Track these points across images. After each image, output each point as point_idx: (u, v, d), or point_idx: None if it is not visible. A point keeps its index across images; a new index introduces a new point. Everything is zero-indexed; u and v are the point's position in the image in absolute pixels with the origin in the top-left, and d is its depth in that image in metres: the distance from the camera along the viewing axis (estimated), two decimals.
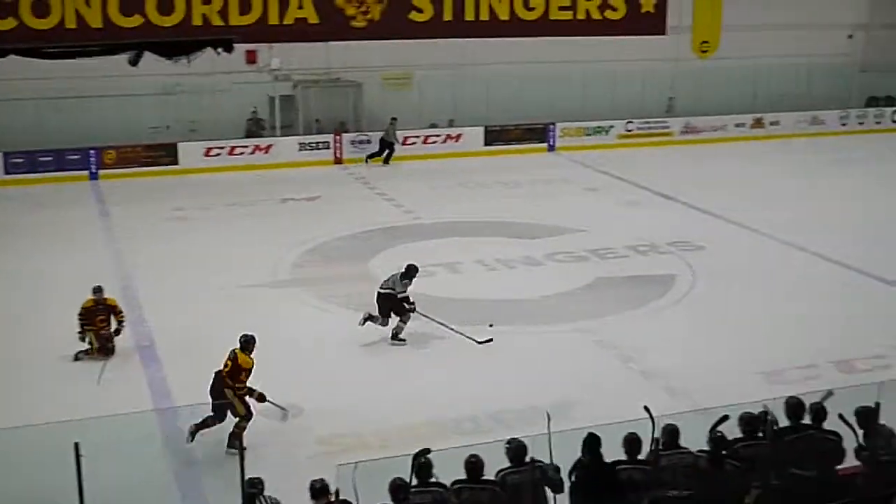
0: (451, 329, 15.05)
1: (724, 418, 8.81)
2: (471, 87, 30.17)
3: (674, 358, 14.42)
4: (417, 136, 29.15)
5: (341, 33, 28.39)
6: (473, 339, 14.82)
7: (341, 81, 29.53)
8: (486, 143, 29.65)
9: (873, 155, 30.01)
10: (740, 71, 32.32)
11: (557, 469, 8.22)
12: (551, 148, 30.33)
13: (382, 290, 14.86)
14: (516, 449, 8.27)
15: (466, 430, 12.05)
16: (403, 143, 28.71)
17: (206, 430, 11.32)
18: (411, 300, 14.79)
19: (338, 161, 28.40)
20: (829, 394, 9.10)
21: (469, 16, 29.99)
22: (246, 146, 27.85)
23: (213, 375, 11.51)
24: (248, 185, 25.69)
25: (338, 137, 28.56)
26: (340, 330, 15.34)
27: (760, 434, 8.84)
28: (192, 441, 11.25)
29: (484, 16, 30.16)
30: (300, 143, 28.36)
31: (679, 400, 12.54)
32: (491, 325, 15.28)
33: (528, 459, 8.16)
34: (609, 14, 31.54)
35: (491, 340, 14.87)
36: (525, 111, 30.17)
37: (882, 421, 9.37)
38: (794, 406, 9.01)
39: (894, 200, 23.96)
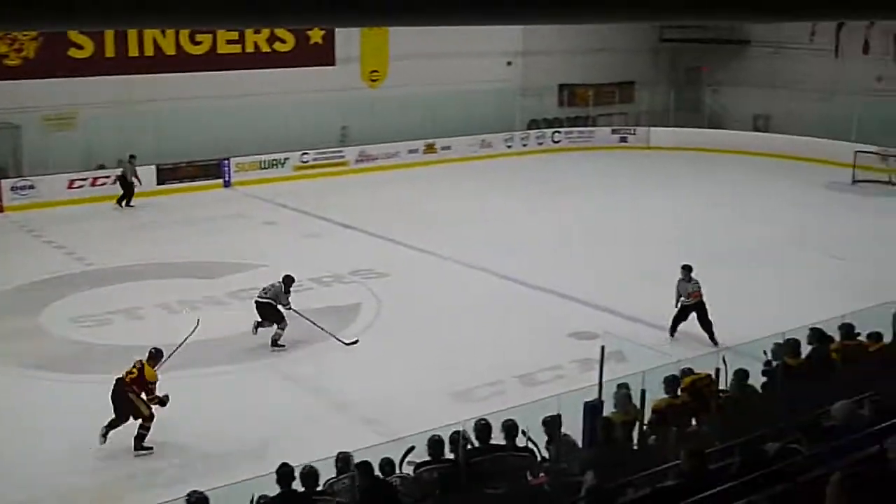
0: (323, 329, 16.17)
1: (410, 449, 8.92)
2: (140, 126, 28.96)
3: (366, 387, 14.46)
4: (84, 179, 27.61)
5: None
6: (342, 341, 16.04)
7: None
8: (160, 182, 28.51)
9: (537, 174, 31.60)
10: (410, 98, 33.15)
11: None
12: (227, 183, 29.69)
13: (262, 300, 15.89)
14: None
15: (144, 483, 11.43)
16: (69, 187, 27.13)
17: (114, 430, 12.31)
18: (291, 305, 16.11)
19: None
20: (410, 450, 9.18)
21: (133, 51, 28.99)
22: None
23: (115, 382, 12.45)
24: None
25: None
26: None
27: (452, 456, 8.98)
28: (104, 442, 12.29)
29: (149, 51, 29.26)
30: None
31: (377, 431, 12.51)
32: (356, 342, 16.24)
33: None
34: (278, 46, 31.50)
35: (357, 341, 16.15)
36: (198, 147, 29.39)
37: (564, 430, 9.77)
38: (481, 428, 9.25)
39: (558, 218, 25.23)
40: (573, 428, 10.30)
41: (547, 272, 20.21)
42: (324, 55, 32.40)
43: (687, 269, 16.63)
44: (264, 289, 16.17)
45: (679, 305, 16.58)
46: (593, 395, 10.87)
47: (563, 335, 16.68)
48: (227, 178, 29.75)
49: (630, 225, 24.43)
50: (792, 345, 11.74)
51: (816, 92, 35.33)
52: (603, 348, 11.08)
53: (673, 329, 16.61)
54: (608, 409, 10.81)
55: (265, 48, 31.26)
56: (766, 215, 25.70)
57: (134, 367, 12.55)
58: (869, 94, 34.09)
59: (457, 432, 9.23)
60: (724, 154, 34.60)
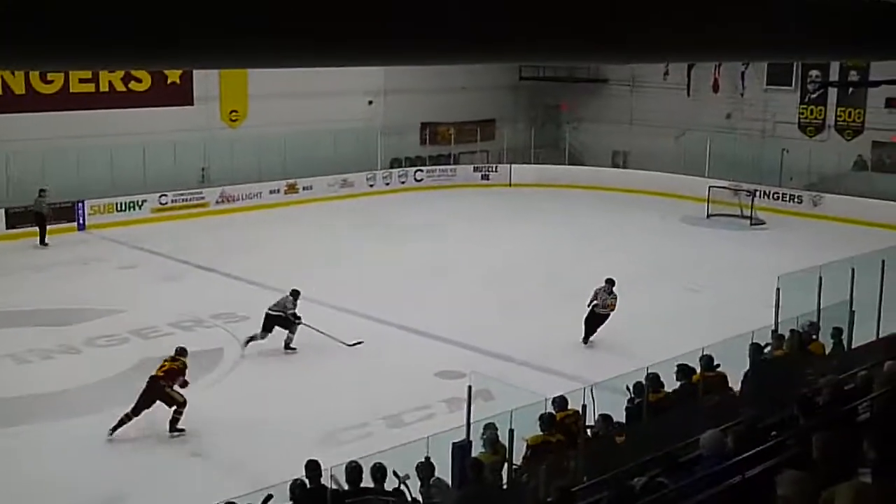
0: (324, 334, 17.71)
1: (269, 497, 8.70)
2: None
3: (229, 432, 14.07)
4: None
5: None
6: (345, 343, 17.69)
7: None
8: (9, 226, 27.36)
9: (400, 213, 31.57)
10: (271, 138, 32.77)
11: None
12: (81, 227, 28.69)
13: (273, 312, 17.97)
14: None
15: None
16: None
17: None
18: (298, 314, 17.93)
19: None
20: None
21: None
22: None
23: (149, 379, 14.31)
24: None
25: None
26: None
27: None
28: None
29: None
30: None
31: (238, 478, 12.16)
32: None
33: None
34: (134, 86, 30.80)
35: (362, 342, 17.94)
36: (50, 190, 28.32)
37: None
38: (351, 471, 9.10)
39: (422, 256, 25.15)
40: (443, 468, 10.20)
41: (412, 311, 20.12)
42: (182, 95, 31.83)
43: (610, 283, 18.68)
44: (275, 303, 18.12)
45: (591, 310, 18.44)
46: (462, 436, 10.79)
47: (430, 375, 16.60)
48: (81, 222, 28.77)
49: (493, 262, 24.55)
50: (653, 379, 11.90)
51: (671, 128, 36.43)
52: (470, 388, 11.00)
53: (587, 338, 18.37)
54: (477, 450, 10.75)
55: (120, 87, 30.52)
56: (625, 249, 26.18)
57: (166, 361, 14.63)
58: (720, 131, 35.33)
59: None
60: (584, 190, 35.26)
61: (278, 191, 32.93)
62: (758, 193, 31.65)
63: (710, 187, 31.84)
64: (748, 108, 35.64)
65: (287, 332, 18.05)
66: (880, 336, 16.31)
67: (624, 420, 11.60)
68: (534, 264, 24.12)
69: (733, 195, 31.66)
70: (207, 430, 14.29)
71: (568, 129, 39.53)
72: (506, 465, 10.63)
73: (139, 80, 30.73)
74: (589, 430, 11.16)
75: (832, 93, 33.38)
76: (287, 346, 18.04)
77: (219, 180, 32.09)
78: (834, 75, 33.05)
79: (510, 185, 36.70)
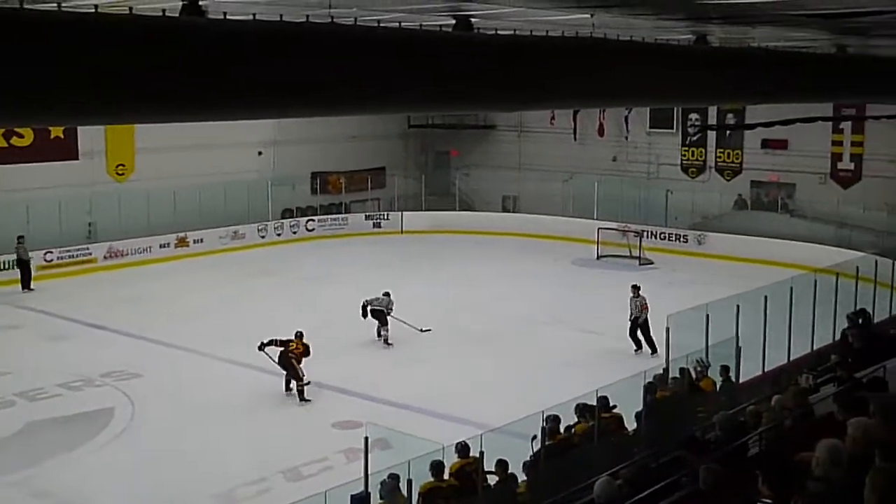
0: (406, 323, 21.33)
1: None
2: None
3: (120, 495, 13.70)
4: None
5: None
6: (417, 328, 21.63)
7: None
8: None
9: (291, 264, 31.32)
10: (160, 191, 32.23)
11: None
12: None
13: (377, 308, 21.72)
14: None
15: None
16: None
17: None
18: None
19: None
20: None
21: None
22: None
23: (280, 353, 18.32)
24: None
25: None
26: None
27: None
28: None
29: None
30: None
31: None
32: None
33: None
34: (16, 141, 30.02)
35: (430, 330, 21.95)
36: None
37: None
38: None
39: (315, 306, 24.97)
40: None
41: (307, 362, 19.92)
42: (66, 149, 31.16)
43: (636, 288, 21.22)
44: (376, 299, 21.85)
45: (632, 318, 20.75)
46: (360, 487, 10.73)
47: (327, 425, 16.48)
48: None
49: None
50: (554, 420, 12.02)
51: (559, 172, 37.04)
52: (367, 439, 10.96)
53: (636, 342, 20.54)
54: (375, 501, 10.69)
55: (1, 143, 29.75)
56: (518, 294, 26.44)
57: (297, 339, 18.47)
58: (607, 174, 36.06)
59: None
60: (475, 235, 35.51)
61: (168, 245, 32.40)
62: (645, 234, 32.36)
63: (598, 229, 32.42)
64: (633, 150, 36.52)
65: (382, 327, 21.62)
66: (766, 370, 16.82)
67: (524, 465, 11.66)
68: (428, 311, 24.12)
69: (622, 236, 32.29)
70: (99, 495, 13.90)
71: (458, 175, 39.87)
72: None
73: (21, 136, 30.01)
74: (488, 477, 11.19)
75: (712, 135, 34.42)
76: (385, 341, 21.48)
77: (106, 235, 31.42)
78: (712, 119, 34.12)
79: (402, 232, 36.78)
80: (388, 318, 21.71)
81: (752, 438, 9.67)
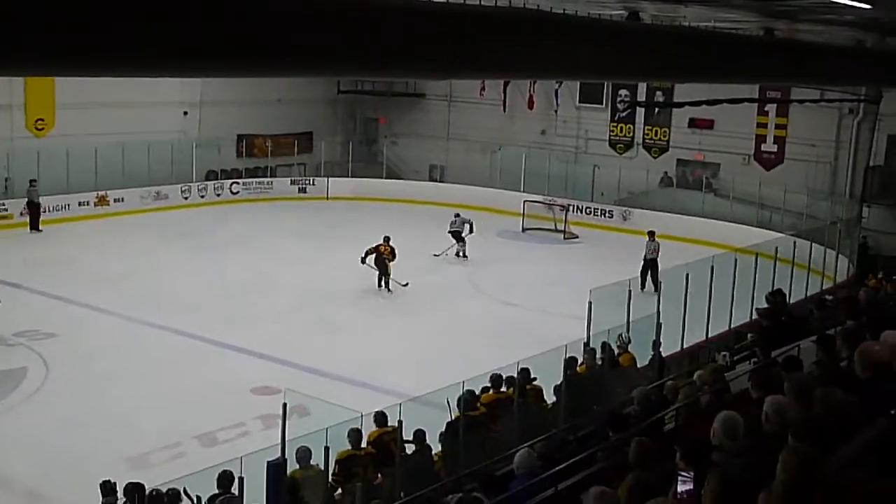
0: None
1: None
2: None
3: (30, 459, 13.45)
4: None
5: None
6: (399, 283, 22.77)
7: None
8: None
9: (214, 226, 30.93)
10: (81, 148, 31.47)
11: None
12: None
13: (453, 230, 27.34)
14: None
15: None
16: None
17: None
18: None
19: None
20: None
21: None
22: None
23: (375, 257, 23.23)
24: None
25: None
26: None
27: None
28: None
29: None
30: None
31: None
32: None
33: None
34: None
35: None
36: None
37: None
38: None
39: (235, 271, 24.67)
40: (257, 487, 10.02)
41: (224, 327, 19.75)
42: None
43: (652, 233, 25.14)
44: (451, 222, 27.53)
45: (644, 260, 23.93)
46: (277, 454, 10.62)
47: (245, 391, 16.31)
48: None
49: (309, 277, 24.32)
50: (470, 393, 12.02)
51: (487, 143, 37.05)
52: (285, 405, 10.85)
53: (643, 283, 22.30)
54: (292, 467, 10.61)
55: None
56: (441, 264, 26.43)
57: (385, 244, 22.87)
58: (535, 147, 36.16)
59: None
60: (401, 203, 35.38)
61: (88, 203, 31.73)
62: (571, 208, 32.52)
63: (525, 202, 32.51)
64: (562, 125, 36.62)
65: (459, 245, 26.94)
66: (684, 347, 17.04)
67: (440, 435, 11.66)
68: (349, 279, 24.01)
69: (548, 210, 32.42)
70: (7, 458, 13.59)
71: (386, 143, 39.67)
72: (320, 481, 10.54)
73: None
74: (406, 447, 11.17)
75: (640, 112, 34.64)
76: (464, 255, 26.94)
77: (23, 192, 30.65)
78: (642, 95, 34.33)
79: (327, 198, 36.50)
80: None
81: (669, 414, 9.77)
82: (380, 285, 23.30)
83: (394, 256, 23.32)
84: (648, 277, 22.84)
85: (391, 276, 23.22)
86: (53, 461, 13.38)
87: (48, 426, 14.72)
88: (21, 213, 29.50)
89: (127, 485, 9.65)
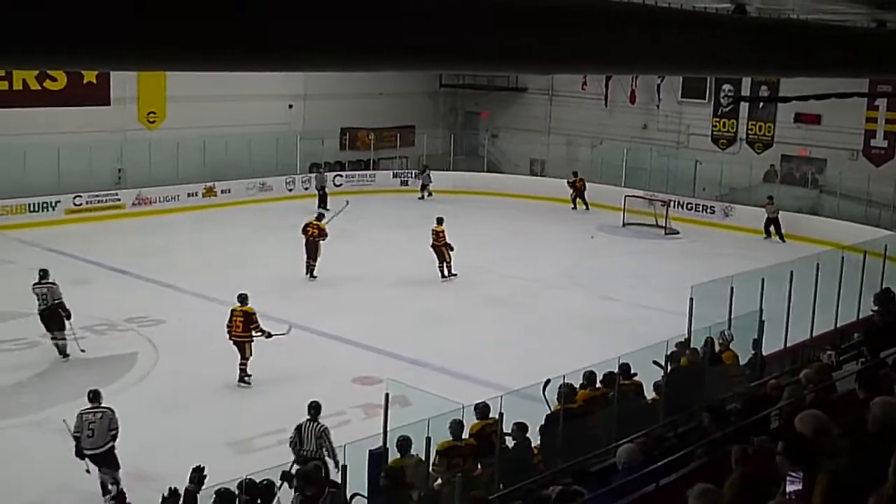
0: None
1: None
2: None
3: (141, 438, 13.83)
4: None
5: None
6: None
7: None
8: None
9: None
10: (189, 140, 32.36)
11: None
12: None
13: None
14: None
15: None
16: None
17: None
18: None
19: None
20: None
21: None
22: None
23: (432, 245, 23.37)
24: None
25: None
26: None
27: None
28: None
29: None
30: None
31: (148, 485, 11.98)
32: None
33: None
34: (49, 84, 30.19)
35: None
36: None
37: None
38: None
39: (339, 261, 24.94)
40: (359, 476, 10.20)
41: (327, 316, 20.06)
42: (98, 95, 31.29)
43: (770, 198, 29.83)
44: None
45: (767, 219, 29.07)
46: (378, 443, 10.79)
47: (347, 380, 16.57)
48: None
49: (411, 268, 24.56)
50: (569, 387, 12.03)
51: (588, 138, 36.87)
52: (387, 395, 11.01)
53: (767, 233, 29.19)
54: (393, 457, 10.76)
55: (34, 86, 29.88)
56: (540, 258, 26.41)
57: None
58: (635, 141, 35.86)
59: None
60: (501, 197, 35.43)
61: (196, 193, 32.57)
62: (672, 203, 32.20)
63: (625, 196, 32.30)
64: (663, 119, 36.24)
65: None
66: (788, 346, 16.77)
67: (539, 429, 11.70)
68: (453, 271, 24.19)
69: (648, 205, 32.16)
70: (118, 441, 14.03)
71: (487, 136, 39.77)
72: (421, 471, 10.67)
73: (54, 80, 30.15)
74: (506, 439, 11.24)
75: (744, 107, 34.11)
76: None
77: (135, 182, 31.61)
78: (746, 90, 33.77)
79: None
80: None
81: (773, 412, 9.66)
82: (443, 274, 23.62)
83: (450, 248, 23.78)
84: (772, 230, 28.15)
85: (450, 261, 23.67)
86: (159, 443, 13.79)
87: (156, 409, 15.17)
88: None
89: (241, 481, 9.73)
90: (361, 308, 20.93)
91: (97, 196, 30.42)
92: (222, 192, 33.15)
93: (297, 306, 20.65)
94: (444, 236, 23.95)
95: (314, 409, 12.29)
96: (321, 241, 23.75)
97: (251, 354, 16.51)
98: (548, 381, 12.01)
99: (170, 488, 9.73)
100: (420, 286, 22.73)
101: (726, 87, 34.52)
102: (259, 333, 16.52)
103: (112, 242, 26.74)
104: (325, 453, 12.00)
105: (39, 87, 30.01)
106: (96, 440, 12.32)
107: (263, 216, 31.34)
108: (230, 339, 16.54)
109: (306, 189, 35.19)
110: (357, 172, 37.22)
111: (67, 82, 30.32)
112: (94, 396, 12.68)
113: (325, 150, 37.13)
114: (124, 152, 31.89)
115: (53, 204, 29.43)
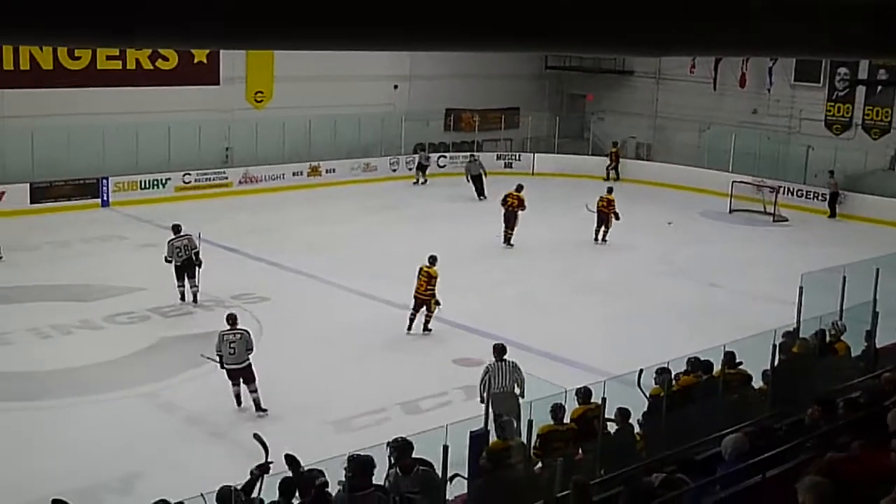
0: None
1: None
2: (13, 142, 27.92)
3: (248, 417, 14.11)
4: None
5: None
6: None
7: None
8: (33, 201, 27.55)
9: (422, 199, 31.56)
10: (295, 120, 32.77)
11: None
12: (105, 203, 28.82)
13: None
14: None
15: None
16: None
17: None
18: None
19: None
20: None
21: (7, 65, 27.99)
22: None
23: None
24: None
25: None
26: None
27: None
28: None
29: (24, 65, 28.30)
30: None
31: (253, 460, 12.13)
32: None
33: None
34: (161, 64, 30.82)
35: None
36: (75, 165, 28.47)
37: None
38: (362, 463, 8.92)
39: (442, 243, 24.98)
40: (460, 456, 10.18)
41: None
42: (208, 74, 31.84)
43: (832, 172, 30.38)
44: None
45: (829, 195, 30.25)
46: (479, 425, 10.79)
47: (448, 361, 16.61)
48: (105, 198, 28.91)
49: (514, 251, 24.51)
50: (670, 374, 11.85)
51: (695, 122, 36.22)
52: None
53: (832, 213, 30.31)
54: (493, 439, 10.74)
55: (147, 65, 30.56)
56: (643, 243, 26.04)
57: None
58: (744, 126, 35.09)
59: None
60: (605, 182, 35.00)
61: (301, 173, 32.97)
62: (781, 190, 31.46)
63: (733, 182, 31.65)
64: (774, 103, 35.32)
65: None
66: None
67: (642, 415, 11.56)
68: (554, 255, 24.08)
69: (756, 191, 31.48)
70: (224, 413, 14.32)
71: (592, 119, 39.39)
72: (523, 454, 10.62)
73: (166, 59, 30.77)
74: (608, 424, 11.13)
75: (860, 91, 33.08)
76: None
77: (242, 161, 32.15)
78: (863, 73, 32.74)
79: (532, 174, 36.50)
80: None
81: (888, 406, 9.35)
82: (596, 238, 25.43)
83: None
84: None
85: (609, 229, 25.39)
86: (265, 420, 13.99)
87: (260, 387, 15.36)
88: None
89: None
90: (463, 290, 20.82)
91: (206, 174, 31.01)
92: (327, 171, 33.49)
93: (398, 286, 20.60)
94: (614, 205, 25.44)
95: (500, 350, 13.30)
96: (520, 212, 24.94)
97: (438, 305, 18.27)
98: (641, 371, 11.88)
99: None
100: (523, 270, 22.65)
101: (842, 70, 33.47)
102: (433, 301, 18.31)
103: (220, 220, 27.17)
104: (516, 388, 12.95)
105: (152, 67, 30.67)
106: (238, 357, 14.27)
107: (367, 196, 31.56)
108: (413, 295, 18.12)
109: (410, 170, 35.33)
110: (461, 154, 37.13)
111: (178, 62, 30.93)
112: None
113: (429, 131, 37.19)
114: (232, 131, 32.43)
115: (164, 181, 30.10)
